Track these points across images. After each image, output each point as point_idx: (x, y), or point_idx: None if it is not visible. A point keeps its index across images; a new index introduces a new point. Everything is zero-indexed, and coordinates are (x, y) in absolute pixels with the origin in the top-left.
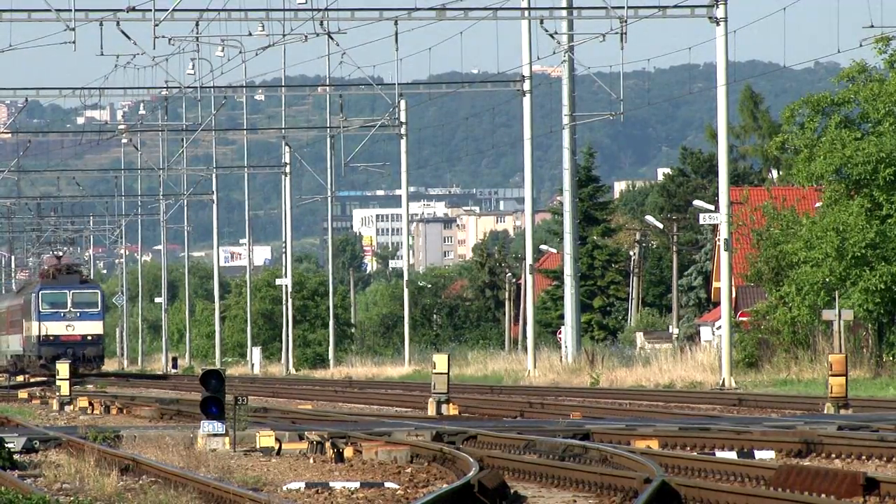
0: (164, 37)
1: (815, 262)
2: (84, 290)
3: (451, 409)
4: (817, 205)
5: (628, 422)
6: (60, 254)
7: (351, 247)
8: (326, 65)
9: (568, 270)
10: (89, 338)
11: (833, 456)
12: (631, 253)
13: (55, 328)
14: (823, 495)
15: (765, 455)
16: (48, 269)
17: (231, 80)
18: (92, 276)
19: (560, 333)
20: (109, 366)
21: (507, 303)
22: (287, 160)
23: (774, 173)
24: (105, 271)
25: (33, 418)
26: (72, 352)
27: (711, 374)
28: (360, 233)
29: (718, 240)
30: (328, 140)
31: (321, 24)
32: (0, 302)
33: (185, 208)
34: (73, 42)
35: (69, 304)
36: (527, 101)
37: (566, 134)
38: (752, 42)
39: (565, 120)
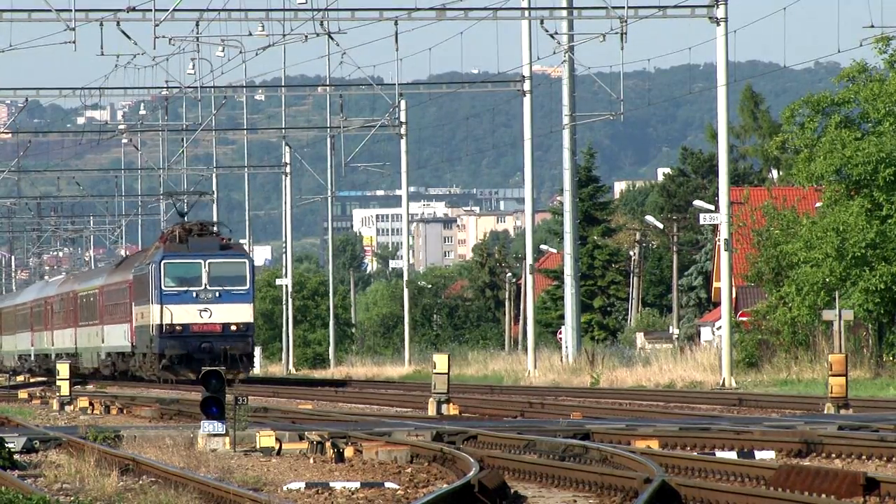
0: (164, 37)
1: (815, 262)
2: (226, 258)
3: (451, 409)
4: (817, 205)
5: (628, 422)
6: (186, 209)
7: (351, 247)
8: (326, 65)
9: (568, 270)
10: (233, 328)
11: (833, 456)
12: (631, 253)
13: (184, 314)
14: (823, 495)
15: (765, 455)
16: (173, 229)
17: (231, 80)
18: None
19: (560, 333)
20: None
21: (507, 303)
22: (287, 160)
23: (774, 173)
24: None
25: (33, 418)
26: (208, 347)
27: (711, 374)
28: (360, 233)
29: (718, 240)
30: (328, 140)
31: (321, 24)
32: (89, 279)
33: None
34: (74, 42)
35: (205, 280)
36: (527, 101)
37: (566, 134)
38: (752, 42)
39: (565, 120)
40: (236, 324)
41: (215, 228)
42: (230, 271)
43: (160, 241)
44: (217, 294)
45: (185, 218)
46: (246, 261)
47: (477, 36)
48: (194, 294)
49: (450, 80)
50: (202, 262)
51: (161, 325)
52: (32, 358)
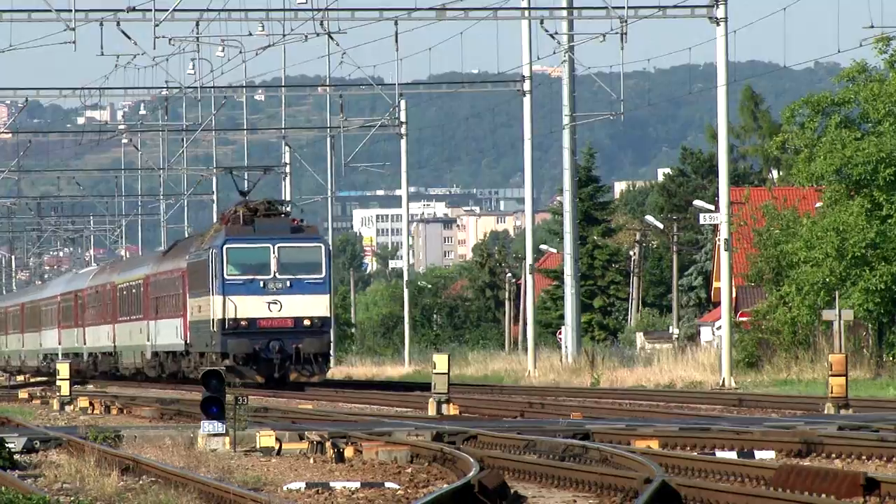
0: (164, 37)
1: (815, 262)
2: (298, 242)
3: (451, 409)
4: (817, 205)
5: (628, 422)
6: (248, 187)
7: (351, 247)
8: (326, 65)
9: (568, 270)
10: (307, 322)
11: (833, 456)
12: (631, 253)
13: (250, 307)
14: (823, 495)
15: (765, 455)
16: (236, 209)
17: (231, 80)
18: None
19: (560, 333)
20: None
21: (507, 303)
22: (287, 160)
23: (775, 173)
24: None
25: (34, 418)
26: (278, 346)
27: (711, 374)
28: (360, 233)
29: (719, 240)
30: (328, 140)
31: (321, 24)
32: (130, 268)
33: (186, 208)
34: (74, 42)
35: (274, 268)
36: (527, 101)
37: (566, 134)
38: (752, 42)
39: (565, 120)
40: (310, 318)
41: (285, 208)
42: (303, 257)
43: (221, 222)
44: (288, 284)
45: (248, 197)
46: (321, 245)
47: (477, 36)
48: (262, 284)
49: (450, 80)
50: (270, 246)
51: (223, 320)
52: (60, 357)
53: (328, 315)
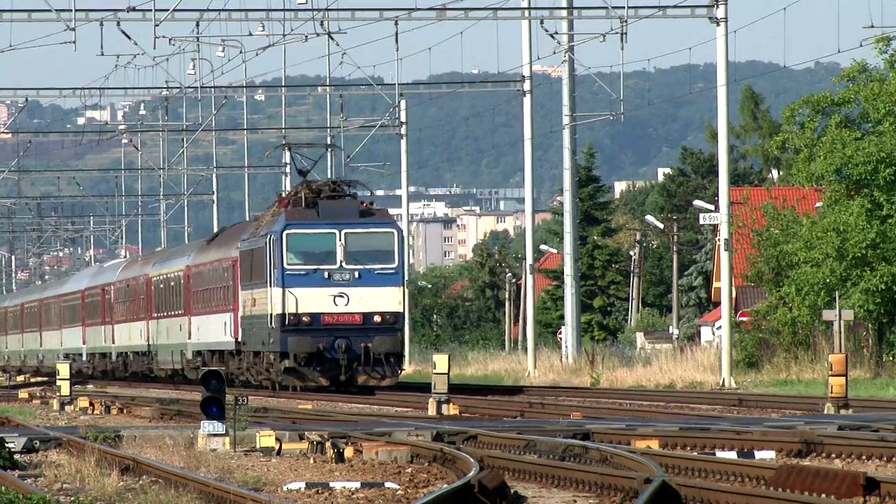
0: (164, 37)
1: (815, 262)
2: (367, 227)
3: (451, 409)
4: (817, 205)
5: (628, 422)
6: (308, 167)
7: None
8: (326, 65)
9: (568, 270)
10: (377, 319)
11: (833, 456)
12: (631, 253)
13: (313, 301)
14: (823, 495)
15: (765, 455)
16: (297, 190)
17: (231, 80)
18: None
19: (560, 333)
20: None
21: (507, 303)
22: (287, 160)
23: (774, 173)
24: None
25: (34, 418)
26: (345, 344)
27: (711, 374)
28: None
29: (718, 240)
30: (328, 140)
31: (321, 24)
32: (168, 259)
33: (186, 208)
34: (74, 42)
35: (340, 256)
36: (527, 101)
37: (566, 134)
38: (752, 42)
39: (565, 120)
40: (381, 313)
41: (353, 189)
42: (373, 244)
43: (279, 205)
44: (356, 275)
45: (308, 177)
46: (394, 231)
47: (477, 36)
48: (326, 274)
49: (450, 80)
50: (336, 232)
51: (283, 315)
52: (84, 357)
53: (401, 310)
